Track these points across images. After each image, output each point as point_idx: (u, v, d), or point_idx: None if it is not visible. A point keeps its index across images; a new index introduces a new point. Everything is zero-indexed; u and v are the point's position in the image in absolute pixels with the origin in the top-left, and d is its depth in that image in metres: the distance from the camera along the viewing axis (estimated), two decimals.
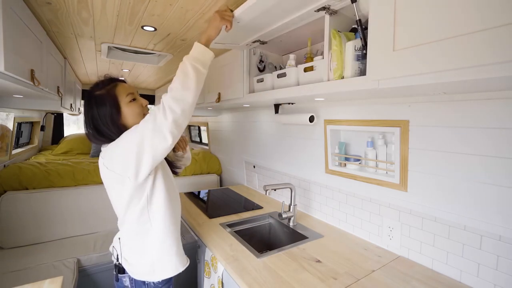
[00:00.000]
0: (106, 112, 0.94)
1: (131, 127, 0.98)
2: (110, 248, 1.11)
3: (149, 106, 1.04)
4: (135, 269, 1.00)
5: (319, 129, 1.49)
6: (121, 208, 0.97)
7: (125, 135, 0.90)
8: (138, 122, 0.98)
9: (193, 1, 1.21)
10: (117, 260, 1.05)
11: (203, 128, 3.74)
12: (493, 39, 0.52)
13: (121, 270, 1.04)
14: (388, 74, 0.72)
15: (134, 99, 0.99)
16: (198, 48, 0.92)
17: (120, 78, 1.04)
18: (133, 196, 0.93)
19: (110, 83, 0.99)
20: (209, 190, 2.18)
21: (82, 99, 3.78)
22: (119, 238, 1.06)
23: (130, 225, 0.99)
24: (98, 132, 0.96)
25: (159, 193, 0.97)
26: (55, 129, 3.99)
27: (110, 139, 0.94)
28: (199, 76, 0.88)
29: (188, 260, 1.09)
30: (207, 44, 0.95)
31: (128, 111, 0.97)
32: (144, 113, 1.01)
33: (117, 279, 1.06)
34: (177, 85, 0.86)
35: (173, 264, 1.01)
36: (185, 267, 1.05)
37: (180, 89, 0.85)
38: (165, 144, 0.86)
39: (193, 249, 1.48)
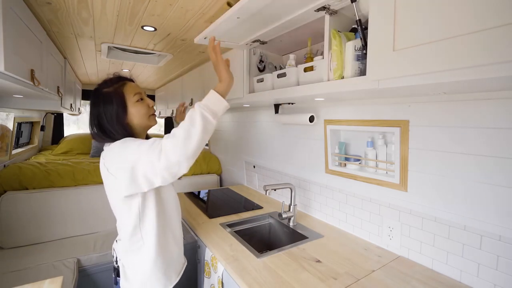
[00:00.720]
0: (112, 110, 0.92)
1: (136, 126, 0.98)
2: (112, 250, 1.10)
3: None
4: (126, 285, 0.98)
5: (319, 129, 1.49)
6: (118, 213, 0.96)
7: (129, 144, 0.87)
8: (144, 123, 0.99)
9: (193, 1, 1.21)
10: (116, 263, 1.04)
11: None
12: (492, 39, 0.52)
13: (119, 272, 1.02)
14: (388, 74, 0.72)
15: (141, 99, 0.98)
16: (212, 96, 0.85)
17: (129, 77, 1.03)
18: (124, 207, 0.92)
19: (119, 81, 0.98)
20: (209, 190, 2.18)
21: (82, 99, 3.78)
22: (116, 241, 1.05)
23: (124, 237, 0.97)
24: (102, 130, 0.94)
25: (151, 212, 0.95)
26: (55, 129, 3.99)
27: (113, 138, 0.93)
28: (207, 126, 0.81)
29: (179, 276, 1.07)
30: (223, 93, 0.87)
31: (134, 111, 0.96)
32: (150, 114, 1.00)
33: (116, 283, 1.04)
34: (181, 133, 0.78)
35: (161, 283, 0.99)
36: (173, 285, 1.03)
37: (182, 139, 0.78)
38: (155, 181, 0.82)
39: (193, 249, 1.48)
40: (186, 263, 1.14)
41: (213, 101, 0.84)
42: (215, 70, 0.93)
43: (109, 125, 0.93)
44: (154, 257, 0.96)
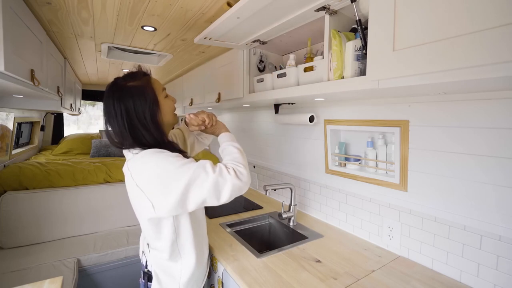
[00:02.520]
0: (146, 106, 0.83)
1: (165, 125, 0.92)
2: (140, 253, 1.07)
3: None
4: None
5: (319, 129, 1.49)
6: (148, 228, 0.91)
7: (166, 162, 0.79)
8: (171, 120, 0.94)
9: (193, 1, 1.21)
10: (146, 267, 1.01)
11: None
12: (489, 40, 0.52)
13: (150, 277, 0.98)
14: (388, 74, 0.72)
15: (167, 95, 0.94)
16: (230, 136, 1.02)
17: (149, 73, 0.95)
18: (157, 225, 0.88)
19: (144, 75, 0.90)
20: None
21: (83, 99, 3.78)
22: (148, 244, 0.99)
23: (159, 249, 0.93)
24: (131, 131, 0.83)
25: (187, 226, 0.92)
26: (55, 129, 3.99)
27: (140, 142, 0.84)
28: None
29: (206, 276, 1.07)
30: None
31: (166, 107, 0.90)
32: (174, 111, 0.96)
33: None
34: (243, 159, 0.88)
35: None
36: (202, 286, 1.04)
37: (246, 163, 0.87)
38: (215, 202, 0.80)
39: None
40: (209, 261, 1.14)
41: (232, 138, 1.01)
42: (214, 129, 1.08)
43: (141, 125, 0.83)
44: (192, 269, 0.95)
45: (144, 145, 0.84)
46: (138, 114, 0.83)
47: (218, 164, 0.83)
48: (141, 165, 0.81)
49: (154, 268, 0.97)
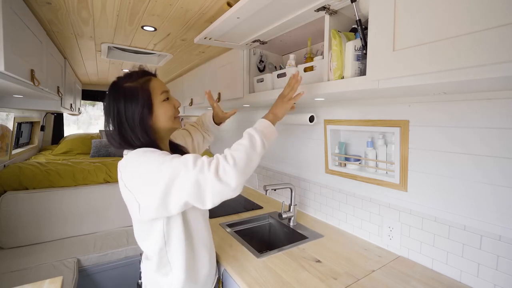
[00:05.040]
0: (136, 109, 0.79)
1: (159, 130, 0.86)
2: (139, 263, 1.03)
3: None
4: None
5: (319, 129, 1.49)
6: (139, 233, 0.87)
7: (151, 160, 0.74)
8: (168, 126, 0.87)
9: (193, 1, 1.21)
10: (140, 279, 0.95)
11: None
12: (493, 39, 0.52)
13: None
14: (388, 74, 0.72)
15: (167, 99, 0.86)
16: (267, 125, 0.85)
17: (153, 73, 0.90)
18: (145, 229, 0.83)
19: (144, 76, 0.85)
20: None
21: (83, 99, 3.77)
22: (140, 254, 0.95)
23: (150, 258, 0.88)
24: (119, 132, 0.81)
25: (178, 233, 0.83)
26: (55, 129, 3.99)
27: (130, 144, 0.81)
28: (262, 153, 0.80)
29: None
30: (273, 123, 0.88)
31: (160, 112, 0.83)
32: (176, 115, 0.89)
33: None
34: (243, 157, 0.73)
35: None
36: None
37: (244, 164, 0.72)
38: (200, 206, 0.72)
39: None
40: (217, 275, 1.06)
41: (270, 130, 0.85)
42: (278, 101, 0.94)
43: (129, 127, 0.80)
44: (183, 283, 0.86)
45: (132, 147, 0.81)
46: (127, 116, 0.80)
47: (203, 157, 0.73)
48: (128, 165, 0.78)
49: (143, 281, 0.91)
